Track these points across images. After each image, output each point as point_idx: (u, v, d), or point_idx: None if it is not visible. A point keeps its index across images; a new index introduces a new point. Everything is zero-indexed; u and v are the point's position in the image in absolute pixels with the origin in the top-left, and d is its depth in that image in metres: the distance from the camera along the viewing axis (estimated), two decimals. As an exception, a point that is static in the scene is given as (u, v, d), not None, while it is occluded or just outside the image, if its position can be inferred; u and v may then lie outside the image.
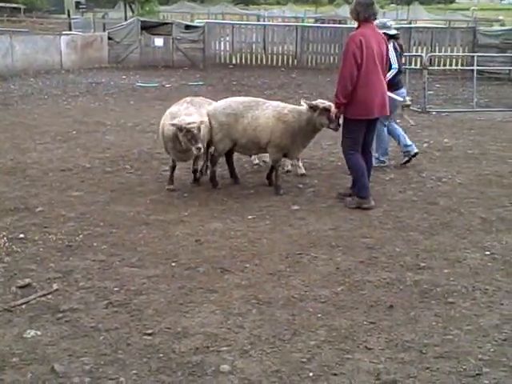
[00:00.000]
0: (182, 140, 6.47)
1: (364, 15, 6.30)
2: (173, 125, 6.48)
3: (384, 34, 7.10)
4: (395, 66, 7.67)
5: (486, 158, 8.80)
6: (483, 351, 3.67)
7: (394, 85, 7.65)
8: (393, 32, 7.89)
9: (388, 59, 6.69)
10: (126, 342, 3.74)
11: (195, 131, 6.35)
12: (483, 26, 25.11)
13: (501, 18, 40.74)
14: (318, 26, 25.88)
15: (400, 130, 8.25)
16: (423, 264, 5.02)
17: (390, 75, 7.57)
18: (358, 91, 6.24)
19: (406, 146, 8.14)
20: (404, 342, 3.77)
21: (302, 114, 6.74)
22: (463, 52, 20.82)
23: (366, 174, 6.57)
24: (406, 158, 8.20)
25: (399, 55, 8.00)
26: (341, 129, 6.58)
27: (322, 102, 6.66)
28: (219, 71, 21.62)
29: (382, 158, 8.15)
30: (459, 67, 19.58)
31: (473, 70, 14.77)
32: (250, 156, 8.08)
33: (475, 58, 15.85)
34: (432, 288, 4.55)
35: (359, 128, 6.46)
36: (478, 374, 3.42)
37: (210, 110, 7.03)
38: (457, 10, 57.09)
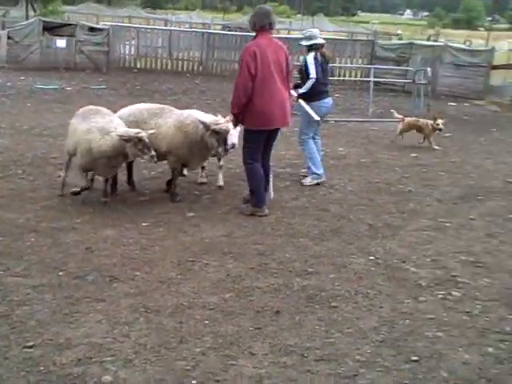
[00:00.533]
0: (130, 152, 6.19)
1: (260, 25, 6.39)
2: (120, 136, 6.12)
3: (312, 44, 7.63)
4: (313, 75, 7.75)
5: (377, 166, 9.18)
6: (361, 352, 3.83)
7: (314, 95, 7.74)
8: (320, 41, 7.97)
9: (303, 69, 6.94)
10: (3, 356, 3.62)
11: (147, 140, 6.17)
12: (382, 40, 26.07)
13: (399, 32, 42.53)
14: (224, 33, 25.94)
15: (316, 153, 7.98)
16: (311, 269, 5.17)
17: (308, 85, 7.73)
18: (255, 101, 6.27)
19: (315, 173, 7.91)
20: (287, 347, 3.88)
21: (200, 128, 6.62)
22: (362, 64, 21.57)
23: (263, 184, 6.63)
24: (310, 182, 7.88)
25: (321, 65, 7.88)
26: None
27: (215, 123, 6.53)
28: (123, 75, 21.25)
29: (317, 172, 7.89)
30: (358, 78, 20.25)
31: (369, 82, 15.36)
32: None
33: (372, 70, 16.48)
34: (318, 293, 4.70)
35: (259, 138, 6.50)
36: (354, 375, 3.58)
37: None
38: (359, 23, 59.13)
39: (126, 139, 6.10)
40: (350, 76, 21.30)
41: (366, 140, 11.46)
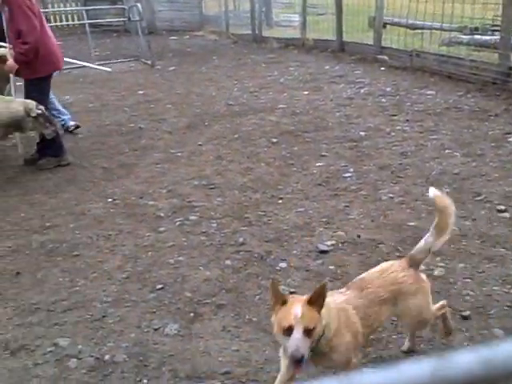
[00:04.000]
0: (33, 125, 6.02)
1: None
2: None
3: None
4: None
5: (106, 109, 9.10)
6: (107, 293, 3.89)
7: None
8: None
9: None
10: None
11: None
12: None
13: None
14: None
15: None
16: (49, 224, 5.05)
17: None
18: (45, 44, 6.13)
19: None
20: (31, 305, 3.78)
21: None
22: (75, 6, 20.71)
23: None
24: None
25: None
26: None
27: None
28: None
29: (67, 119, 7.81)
30: (76, 22, 19.44)
31: (85, 25, 14.87)
32: None
33: (84, 12, 15.95)
34: (58, 245, 4.62)
35: (49, 84, 6.47)
36: (103, 316, 3.63)
37: None
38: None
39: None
40: (68, 20, 20.38)
41: (93, 84, 11.22)
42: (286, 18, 17.34)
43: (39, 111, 5.98)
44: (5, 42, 7.23)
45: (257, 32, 15.65)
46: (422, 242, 2.82)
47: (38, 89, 6.27)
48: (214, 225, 4.87)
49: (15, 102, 6.04)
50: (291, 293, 3.50)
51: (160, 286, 3.94)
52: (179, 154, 6.71)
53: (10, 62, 6.14)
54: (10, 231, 4.94)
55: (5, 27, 7.23)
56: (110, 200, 5.51)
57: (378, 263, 3.97)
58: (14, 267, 4.30)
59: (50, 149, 6.49)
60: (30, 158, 6.60)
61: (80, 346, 3.32)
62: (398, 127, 6.94)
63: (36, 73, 6.17)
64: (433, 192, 2.81)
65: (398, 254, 4.11)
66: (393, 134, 6.73)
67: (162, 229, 4.84)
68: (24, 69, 6.15)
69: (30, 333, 3.48)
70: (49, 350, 3.31)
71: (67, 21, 20.12)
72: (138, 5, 13.17)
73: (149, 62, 13.12)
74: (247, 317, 3.53)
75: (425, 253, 2.82)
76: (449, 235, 2.83)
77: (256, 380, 2.99)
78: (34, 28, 5.92)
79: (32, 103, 6.01)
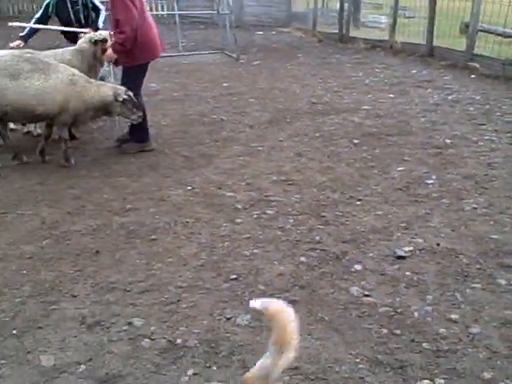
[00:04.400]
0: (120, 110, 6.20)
1: None
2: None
3: None
4: (102, 7, 7.66)
5: (190, 99, 9.24)
6: (183, 279, 3.94)
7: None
8: None
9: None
10: None
11: None
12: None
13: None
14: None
15: None
16: (130, 206, 5.17)
17: (102, 19, 7.52)
18: (142, 33, 6.15)
19: None
20: (109, 284, 3.88)
21: None
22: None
23: (146, 118, 6.60)
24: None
25: None
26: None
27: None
28: None
29: None
30: (165, 12, 19.83)
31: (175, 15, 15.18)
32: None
33: (175, 3, 16.26)
34: (137, 228, 4.72)
35: (143, 72, 6.51)
36: (178, 301, 3.69)
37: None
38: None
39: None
40: (157, 10, 20.79)
41: (178, 74, 11.43)
42: (373, 19, 17.11)
43: (126, 96, 6.12)
44: (74, 34, 7.58)
45: (344, 32, 15.50)
46: (256, 366, 1.97)
47: (132, 76, 6.40)
48: (291, 221, 4.86)
49: (105, 87, 6.21)
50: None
51: (234, 277, 3.96)
52: (259, 149, 6.73)
53: (109, 51, 6.29)
54: (92, 211, 5.10)
55: (72, 16, 7.59)
56: (189, 188, 5.59)
57: (456, 274, 3.90)
58: (94, 246, 4.43)
59: (134, 134, 6.64)
60: (122, 139, 6.80)
61: (153, 328, 3.38)
62: (486, 137, 6.72)
63: (133, 61, 6.27)
64: (257, 304, 1.94)
65: (478, 266, 3.99)
66: (480, 143, 6.52)
67: (238, 220, 4.87)
68: (122, 57, 6.29)
69: (106, 310, 3.58)
70: (123, 328, 3.39)
71: (157, 10, 20.55)
72: (230, -1, 13.33)
73: (234, 55, 13.24)
74: (319, 315, 3.50)
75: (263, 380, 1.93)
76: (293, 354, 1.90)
77: (325, 379, 2.96)
78: (131, 18, 5.97)
79: (121, 88, 6.17)
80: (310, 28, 17.56)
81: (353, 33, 15.48)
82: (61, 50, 6.93)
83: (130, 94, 6.16)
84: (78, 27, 7.56)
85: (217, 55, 13.85)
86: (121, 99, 6.08)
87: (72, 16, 7.60)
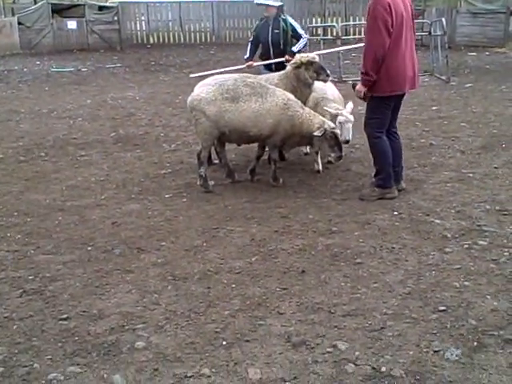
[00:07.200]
0: (320, 144, 6.21)
1: None
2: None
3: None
4: (305, 35, 7.93)
5: (399, 122, 9.00)
6: (388, 306, 3.85)
7: None
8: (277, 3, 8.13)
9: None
10: (40, 329, 3.73)
11: None
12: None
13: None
14: (233, 1, 25.70)
15: None
16: (335, 228, 5.19)
17: (301, 45, 7.79)
18: (389, 63, 5.47)
19: None
20: (314, 304, 3.92)
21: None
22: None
23: (391, 160, 5.86)
24: None
25: None
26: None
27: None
28: (136, 52, 21.30)
29: None
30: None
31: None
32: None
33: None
34: (342, 251, 4.72)
35: (389, 106, 5.73)
36: (382, 328, 3.60)
37: None
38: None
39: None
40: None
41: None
42: None
43: (331, 134, 6.02)
44: (268, 55, 8.14)
45: None
46: None
47: (372, 108, 5.80)
48: (506, 254, 4.54)
49: (316, 117, 6.18)
50: None
51: (442, 308, 3.78)
52: (471, 175, 6.41)
53: (358, 86, 5.69)
54: (298, 230, 5.20)
55: (269, 39, 8.00)
56: (395, 213, 5.47)
57: None
58: (300, 265, 4.50)
59: (377, 178, 6.00)
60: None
61: (357, 353, 3.33)
62: None
63: (375, 90, 5.64)
64: None
65: None
66: None
67: (447, 249, 4.66)
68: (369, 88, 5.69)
69: (311, 330, 3.60)
70: (328, 350, 3.38)
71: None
72: (443, 19, 12.95)
73: (443, 78, 12.83)
74: (539, 359, 3.20)
75: None
76: None
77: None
78: (379, 44, 5.39)
79: (328, 123, 6.10)
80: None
81: None
82: (273, 74, 7.23)
83: (337, 132, 6.09)
84: (274, 50, 8.03)
85: (425, 77, 13.50)
86: (318, 134, 6.00)
87: (269, 38, 8.04)
